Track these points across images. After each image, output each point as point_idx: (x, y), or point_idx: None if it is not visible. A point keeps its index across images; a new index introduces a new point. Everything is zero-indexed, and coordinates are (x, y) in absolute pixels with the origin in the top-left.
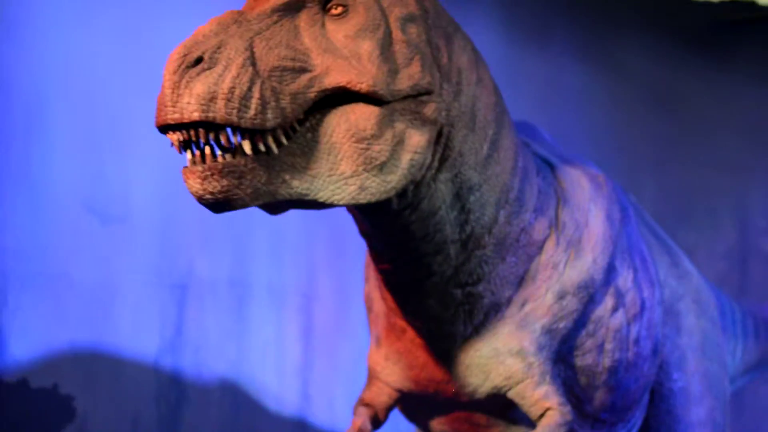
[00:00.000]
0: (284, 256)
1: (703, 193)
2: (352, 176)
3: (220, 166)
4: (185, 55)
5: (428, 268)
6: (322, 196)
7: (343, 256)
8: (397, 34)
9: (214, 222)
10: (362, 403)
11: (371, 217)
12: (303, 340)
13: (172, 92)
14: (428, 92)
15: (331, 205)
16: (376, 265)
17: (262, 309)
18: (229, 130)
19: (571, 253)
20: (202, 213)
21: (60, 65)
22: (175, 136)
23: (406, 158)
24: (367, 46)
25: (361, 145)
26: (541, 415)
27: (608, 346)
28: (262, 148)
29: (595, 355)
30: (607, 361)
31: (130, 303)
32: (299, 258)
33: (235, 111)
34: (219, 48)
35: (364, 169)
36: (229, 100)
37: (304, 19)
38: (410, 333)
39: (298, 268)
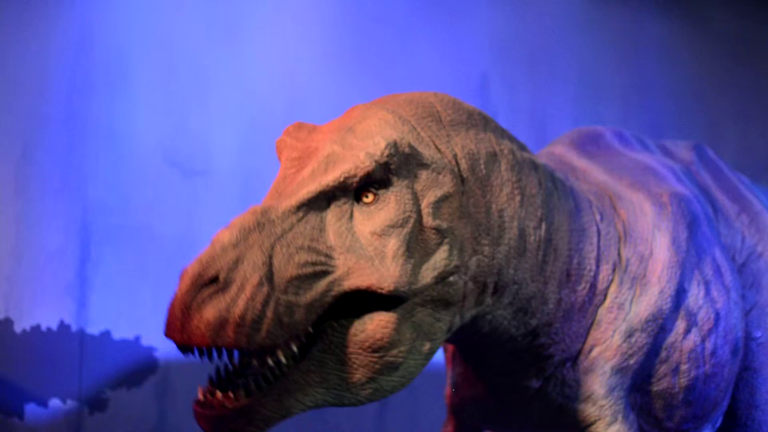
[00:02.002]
0: None
1: None
2: (367, 383)
3: (229, 412)
4: (200, 274)
5: (500, 350)
6: (335, 403)
7: None
8: (427, 221)
9: None
10: None
11: None
12: None
13: (182, 314)
14: (453, 273)
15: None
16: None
17: None
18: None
19: (636, 289)
20: None
21: (142, 19)
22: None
23: (425, 348)
24: (393, 244)
25: (377, 354)
26: None
27: (683, 367)
28: (270, 363)
29: (670, 379)
30: (683, 381)
31: None
32: None
33: (244, 336)
34: (236, 264)
35: (380, 374)
36: (239, 325)
37: (332, 212)
38: (484, 383)
39: None
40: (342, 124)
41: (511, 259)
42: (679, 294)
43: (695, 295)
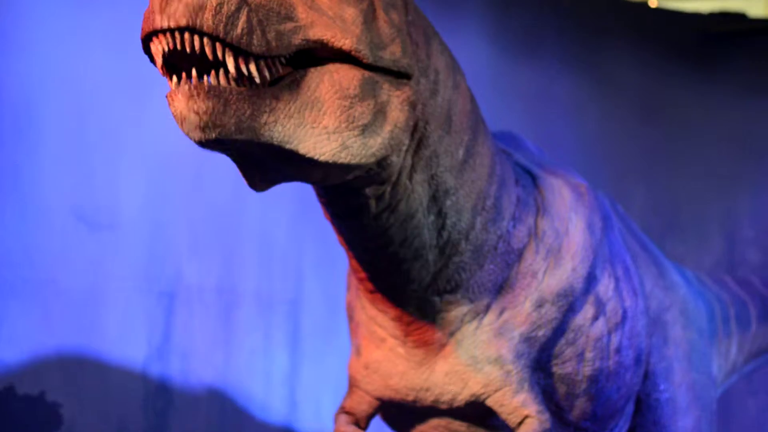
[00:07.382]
0: (272, 263)
1: (690, 203)
2: (335, 132)
3: (206, 87)
4: None
5: (407, 274)
6: (304, 147)
7: (330, 263)
8: (380, 13)
9: (203, 229)
10: (343, 411)
11: (350, 221)
12: (290, 348)
13: (161, 1)
14: (407, 76)
15: (311, 163)
16: (355, 274)
17: (249, 316)
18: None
19: (550, 261)
20: (190, 220)
21: (50, 71)
22: (161, 46)
23: (386, 129)
24: (352, 12)
25: (345, 102)
26: (520, 423)
27: (588, 354)
28: (244, 70)
29: (574, 364)
30: (587, 370)
31: (118, 310)
32: (287, 265)
33: (222, 25)
34: None
35: (347, 127)
36: (217, 13)
37: None
38: (390, 342)
39: (286, 276)
40: None
41: (439, 123)
42: (590, 278)
43: (605, 286)
